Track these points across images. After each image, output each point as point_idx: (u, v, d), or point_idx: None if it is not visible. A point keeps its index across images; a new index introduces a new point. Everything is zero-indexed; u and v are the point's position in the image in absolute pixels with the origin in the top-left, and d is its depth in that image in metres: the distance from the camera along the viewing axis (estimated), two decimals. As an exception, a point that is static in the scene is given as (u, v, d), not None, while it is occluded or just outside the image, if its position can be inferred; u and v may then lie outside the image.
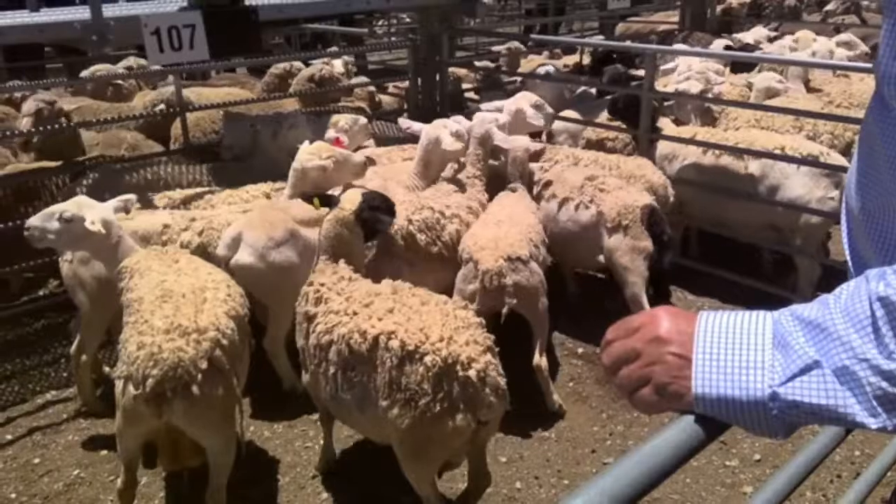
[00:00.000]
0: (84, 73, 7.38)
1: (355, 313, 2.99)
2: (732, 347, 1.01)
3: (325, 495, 3.55)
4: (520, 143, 4.69)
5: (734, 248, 5.74)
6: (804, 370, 0.95)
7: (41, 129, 5.17)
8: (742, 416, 1.00)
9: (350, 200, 3.38)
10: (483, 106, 5.11)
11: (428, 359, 2.72)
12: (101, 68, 7.42)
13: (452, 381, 2.71)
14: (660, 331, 1.07)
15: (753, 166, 5.08)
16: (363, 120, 5.28)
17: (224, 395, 2.94)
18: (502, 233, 3.96)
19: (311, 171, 4.02)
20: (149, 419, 2.85)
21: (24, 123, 5.25)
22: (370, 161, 4.91)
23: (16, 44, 5.89)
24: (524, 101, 5.17)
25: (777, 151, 4.97)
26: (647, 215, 4.39)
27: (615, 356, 1.12)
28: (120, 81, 7.37)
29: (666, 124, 5.56)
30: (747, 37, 8.48)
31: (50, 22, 4.54)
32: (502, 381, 2.84)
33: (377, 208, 3.40)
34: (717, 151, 5.22)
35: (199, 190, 4.71)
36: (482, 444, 3.10)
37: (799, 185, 4.92)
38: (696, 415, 1.07)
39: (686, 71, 6.30)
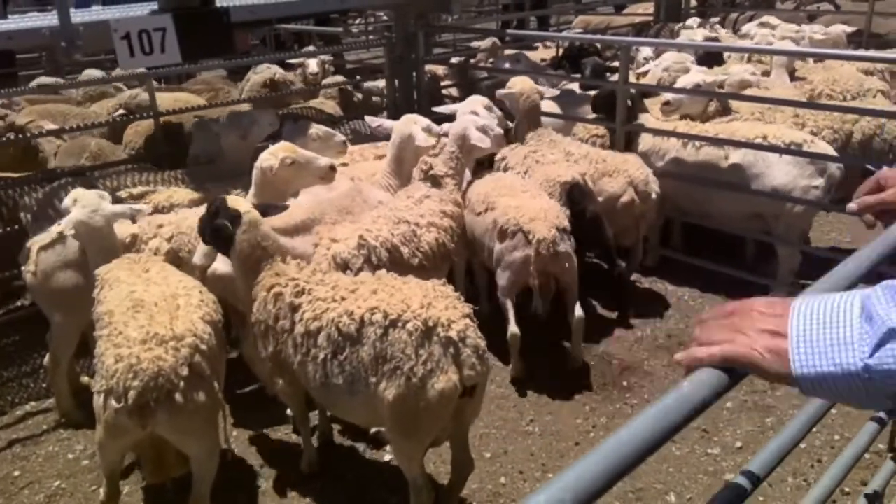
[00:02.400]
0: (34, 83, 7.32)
1: (343, 298, 3.06)
2: (825, 325, 1.01)
3: (308, 499, 3.53)
4: (495, 144, 4.69)
5: (713, 237, 5.78)
6: (886, 338, 0.95)
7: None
8: (843, 393, 1.00)
9: (242, 205, 3.38)
10: (437, 109, 5.11)
11: (410, 324, 2.83)
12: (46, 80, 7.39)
13: (434, 342, 2.81)
14: (754, 312, 1.09)
15: (736, 156, 5.09)
16: (340, 137, 5.09)
17: (207, 401, 2.91)
18: (545, 204, 4.30)
19: (266, 171, 4.02)
20: (133, 431, 2.82)
21: None
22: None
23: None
24: (477, 105, 5.11)
25: (759, 140, 4.97)
26: (568, 190, 4.61)
27: (714, 325, 1.13)
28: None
29: (647, 119, 5.56)
30: (695, 34, 8.27)
31: (18, 29, 4.48)
32: (482, 343, 2.91)
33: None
34: (697, 143, 5.23)
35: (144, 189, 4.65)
36: (466, 425, 3.15)
37: (782, 173, 4.91)
38: (661, 407, 1.08)
39: (662, 63, 6.33)
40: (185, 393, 2.80)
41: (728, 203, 5.20)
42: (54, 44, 4.32)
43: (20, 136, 5.33)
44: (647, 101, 5.72)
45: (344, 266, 3.68)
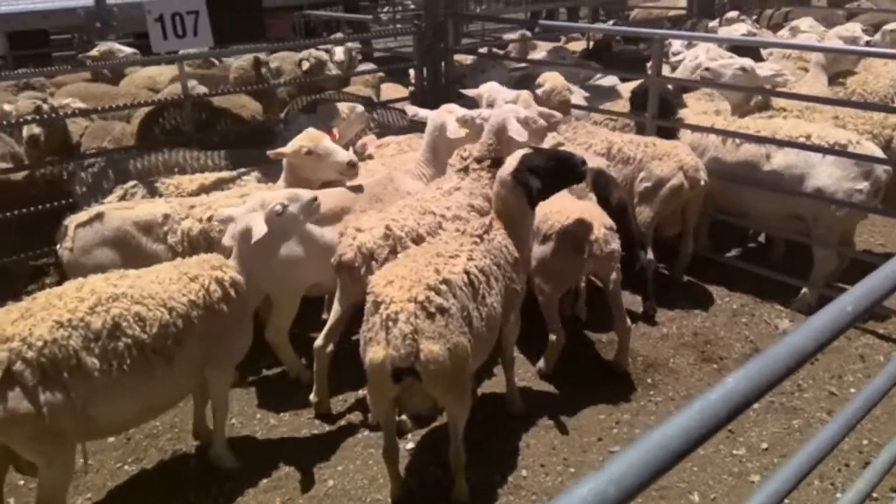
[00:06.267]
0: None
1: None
2: None
3: (331, 483, 3.54)
4: (536, 137, 4.63)
5: (740, 235, 5.69)
6: None
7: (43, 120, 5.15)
8: None
9: (514, 158, 3.42)
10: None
11: (370, 294, 3.11)
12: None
13: (376, 316, 3.02)
14: None
15: (778, 155, 4.95)
16: (360, 108, 5.17)
17: (29, 411, 2.74)
18: (586, 206, 4.21)
19: (291, 156, 4.08)
20: None
21: (26, 130, 5.18)
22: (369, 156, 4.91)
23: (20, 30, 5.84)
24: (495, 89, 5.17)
25: (802, 139, 4.83)
26: (593, 177, 4.55)
27: None
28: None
29: (686, 115, 5.46)
30: (735, 28, 8.13)
31: (53, 9, 4.53)
32: (408, 329, 2.93)
33: (534, 168, 3.34)
34: (738, 140, 5.12)
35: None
36: (450, 417, 3.26)
37: (825, 174, 4.75)
38: (706, 402, 1.06)
39: (693, 59, 6.23)
40: None
41: (768, 203, 5.06)
42: (89, 24, 4.36)
43: (55, 114, 5.41)
44: (686, 97, 5.64)
45: (370, 255, 3.66)
